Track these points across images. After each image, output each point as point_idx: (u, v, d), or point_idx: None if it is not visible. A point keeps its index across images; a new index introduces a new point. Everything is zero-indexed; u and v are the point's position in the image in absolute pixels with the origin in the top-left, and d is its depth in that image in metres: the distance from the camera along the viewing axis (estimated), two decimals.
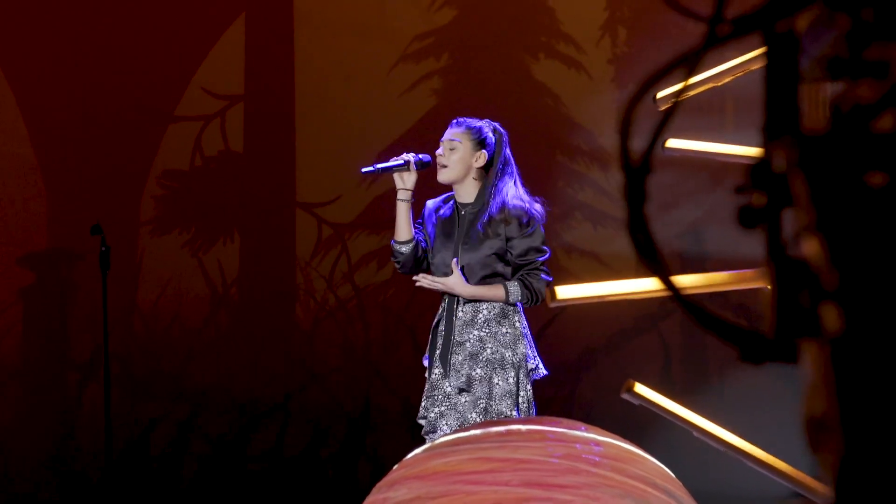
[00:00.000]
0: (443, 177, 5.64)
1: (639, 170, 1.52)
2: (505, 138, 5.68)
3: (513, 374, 5.47)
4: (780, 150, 1.46)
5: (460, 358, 5.51)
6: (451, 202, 5.70)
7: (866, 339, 1.38)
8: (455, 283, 5.53)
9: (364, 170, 5.68)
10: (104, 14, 9.57)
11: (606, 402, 8.48)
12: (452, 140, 5.63)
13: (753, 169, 1.47)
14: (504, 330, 5.51)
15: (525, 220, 5.54)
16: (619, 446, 3.46)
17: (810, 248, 1.42)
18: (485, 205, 5.58)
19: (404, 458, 3.57)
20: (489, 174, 5.63)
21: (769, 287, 1.45)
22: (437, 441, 3.58)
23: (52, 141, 9.57)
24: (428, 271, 5.71)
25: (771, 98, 1.48)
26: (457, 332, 5.55)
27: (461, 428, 4.68)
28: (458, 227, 5.63)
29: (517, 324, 5.54)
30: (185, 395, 9.40)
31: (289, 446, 9.37)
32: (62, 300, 9.47)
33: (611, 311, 8.79)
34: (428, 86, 9.70)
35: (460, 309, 5.55)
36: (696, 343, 9.23)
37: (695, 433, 3.13)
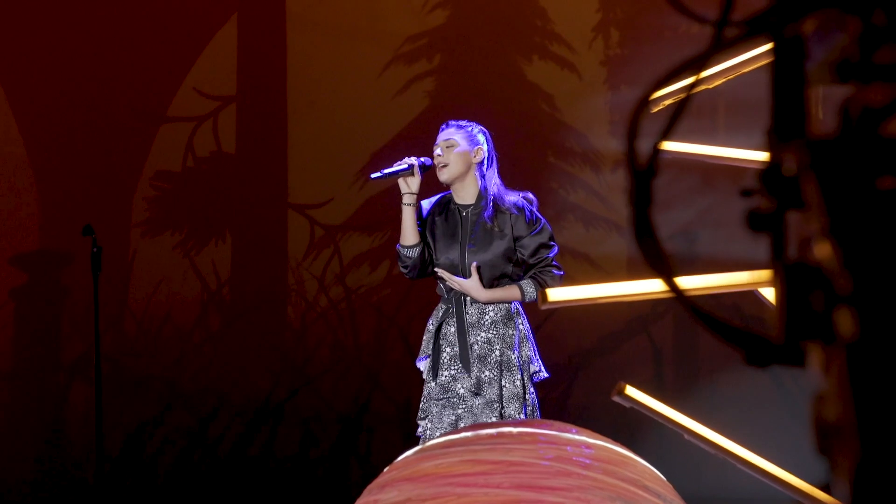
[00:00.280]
0: (445, 175, 5.64)
1: (645, 172, 1.52)
2: (489, 136, 5.73)
3: (519, 376, 5.47)
4: (790, 153, 1.45)
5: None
6: (448, 203, 5.71)
7: (880, 343, 1.38)
8: (472, 286, 5.52)
9: (373, 175, 5.69)
10: (96, 15, 9.56)
11: (597, 405, 8.49)
12: (449, 139, 5.65)
13: (763, 173, 1.46)
14: (510, 332, 5.51)
15: (531, 217, 5.57)
16: (610, 449, 3.47)
17: (823, 251, 1.42)
18: (486, 200, 5.59)
19: (395, 460, 3.57)
20: (485, 170, 5.65)
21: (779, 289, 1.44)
22: (429, 443, 3.58)
23: (44, 141, 9.55)
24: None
25: (779, 101, 1.48)
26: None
27: (452, 430, 4.68)
28: (461, 228, 5.63)
29: (521, 325, 5.55)
30: (176, 396, 9.39)
31: (280, 447, 9.36)
32: (53, 301, 9.45)
33: (602, 314, 8.80)
34: (420, 87, 9.69)
35: (466, 310, 5.55)
36: (687, 346, 9.23)
37: (685, 436, 3.13)
